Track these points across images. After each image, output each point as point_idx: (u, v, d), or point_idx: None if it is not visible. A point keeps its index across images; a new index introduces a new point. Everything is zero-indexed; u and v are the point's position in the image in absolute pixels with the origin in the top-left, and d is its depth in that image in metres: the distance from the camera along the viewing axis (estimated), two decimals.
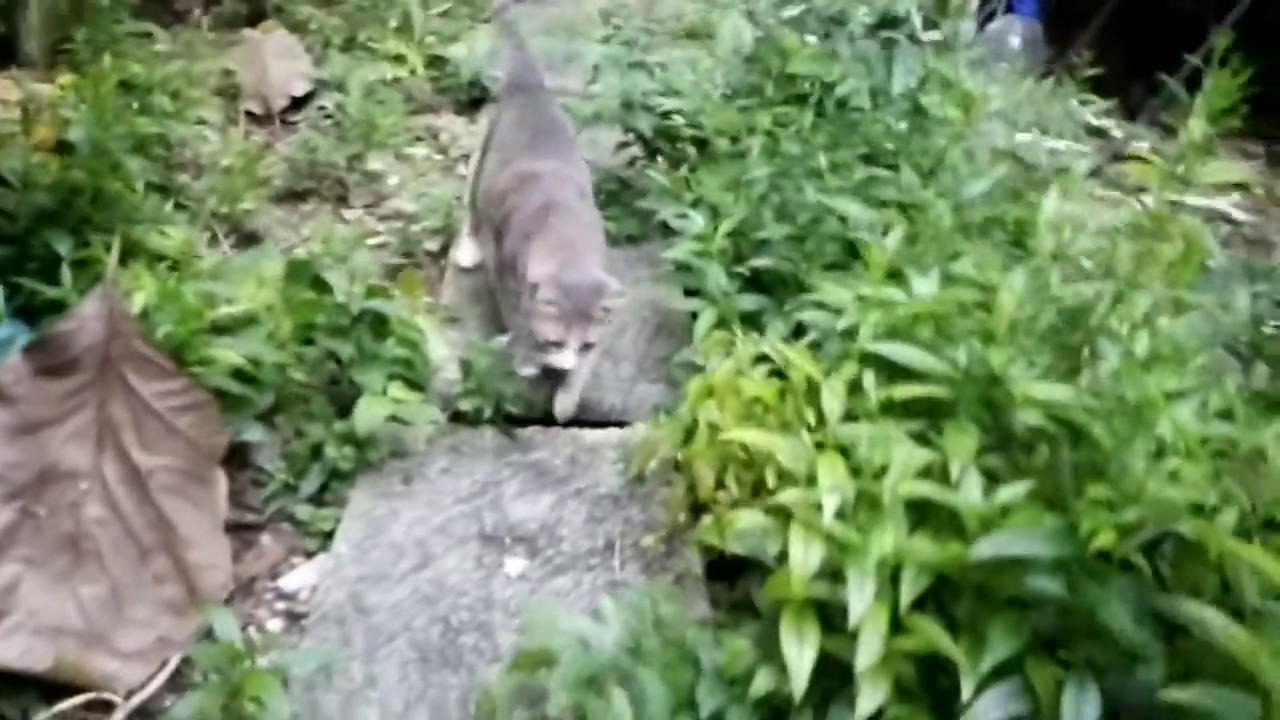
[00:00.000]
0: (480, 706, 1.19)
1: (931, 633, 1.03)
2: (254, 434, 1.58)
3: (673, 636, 1.12)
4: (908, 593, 1.03)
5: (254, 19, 3.94)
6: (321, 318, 1.60)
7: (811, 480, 1.05)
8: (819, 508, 1.02)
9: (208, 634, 1.31)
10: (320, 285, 1.59)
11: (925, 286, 1.27)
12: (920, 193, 1.67)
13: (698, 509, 1.30)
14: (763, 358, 1.27)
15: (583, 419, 1.94)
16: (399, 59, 3.70)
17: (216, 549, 1.43)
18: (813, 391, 1.21)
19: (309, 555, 1.62)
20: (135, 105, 2.46)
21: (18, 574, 1.31)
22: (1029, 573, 1.02)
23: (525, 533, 1.63)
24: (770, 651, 1.14)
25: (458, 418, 1.85)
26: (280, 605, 1.55)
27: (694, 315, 1.91)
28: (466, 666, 1.36)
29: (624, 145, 2.74)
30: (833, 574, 1.07)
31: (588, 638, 1.05)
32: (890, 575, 1.05)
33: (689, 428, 1.28)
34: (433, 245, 2.61)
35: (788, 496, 1.04)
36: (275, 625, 1.51)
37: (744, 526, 1.11)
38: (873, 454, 1.04)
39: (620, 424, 1.93)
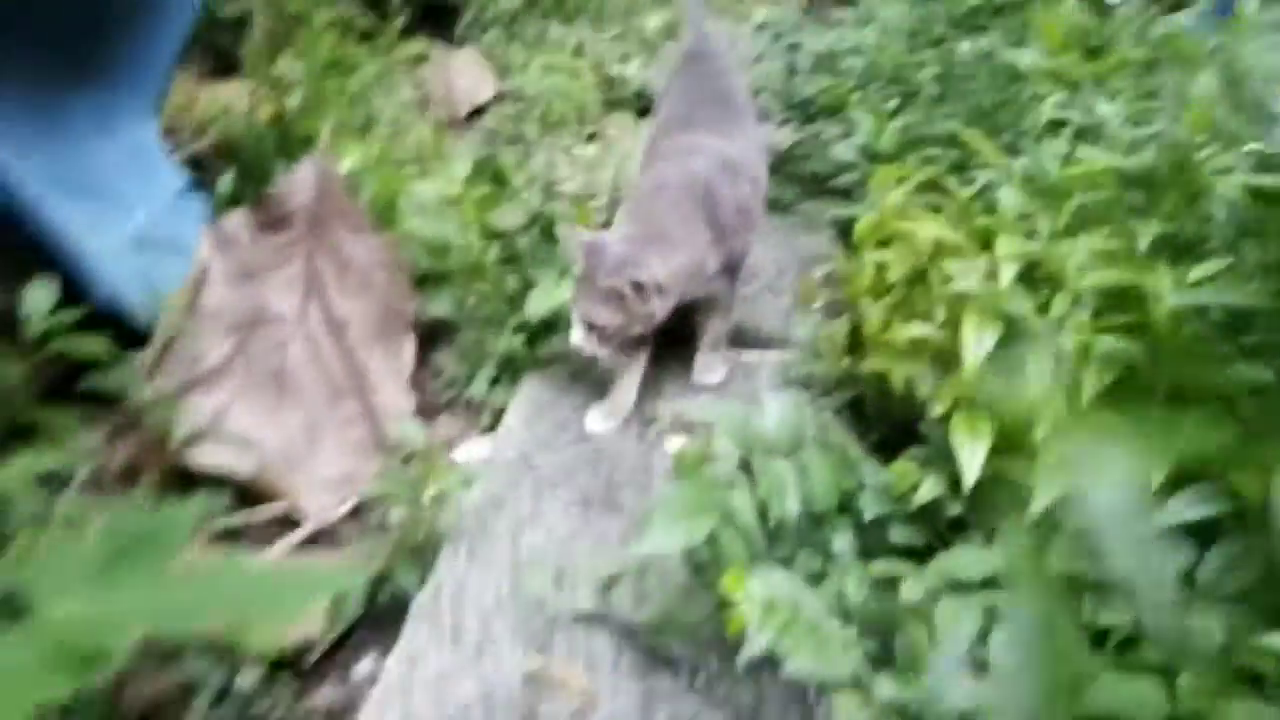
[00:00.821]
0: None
1: (1114, 423, 0.97)
2: (441, 306, 1.69)
3: (834, 443, 1.11)
4: (1092, 383, 0.99)
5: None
6: (501, 212, 1.71)
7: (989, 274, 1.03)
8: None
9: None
10: (500, 179, 1.71)
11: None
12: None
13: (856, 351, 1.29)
14: (930, 187, 1.26)
15: (742, 343, 1.96)
16: (573, 74, 3.94)
17: (401, 399, 1.53)
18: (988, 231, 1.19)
19: (481, 434, 1.71)
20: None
21: (230, 400, 1.45)
22: (1227, 362, 0.96)
23: (683, 421, 1.65)
24: (936, 465, 1.11)
25: None
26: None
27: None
28: (626, 512, 1.39)
29: (785, 121, 2.80)
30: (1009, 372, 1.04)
31: (749, 420, 1.05)
32: (1073, 371, 1.01)
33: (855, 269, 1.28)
34: (598, 219, 2.74)
35: (961, 281, 1.02)
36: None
37: (914, 335, 1.09)
38: (1053, 248, 1.01)
39: (780, 346, 1.95)
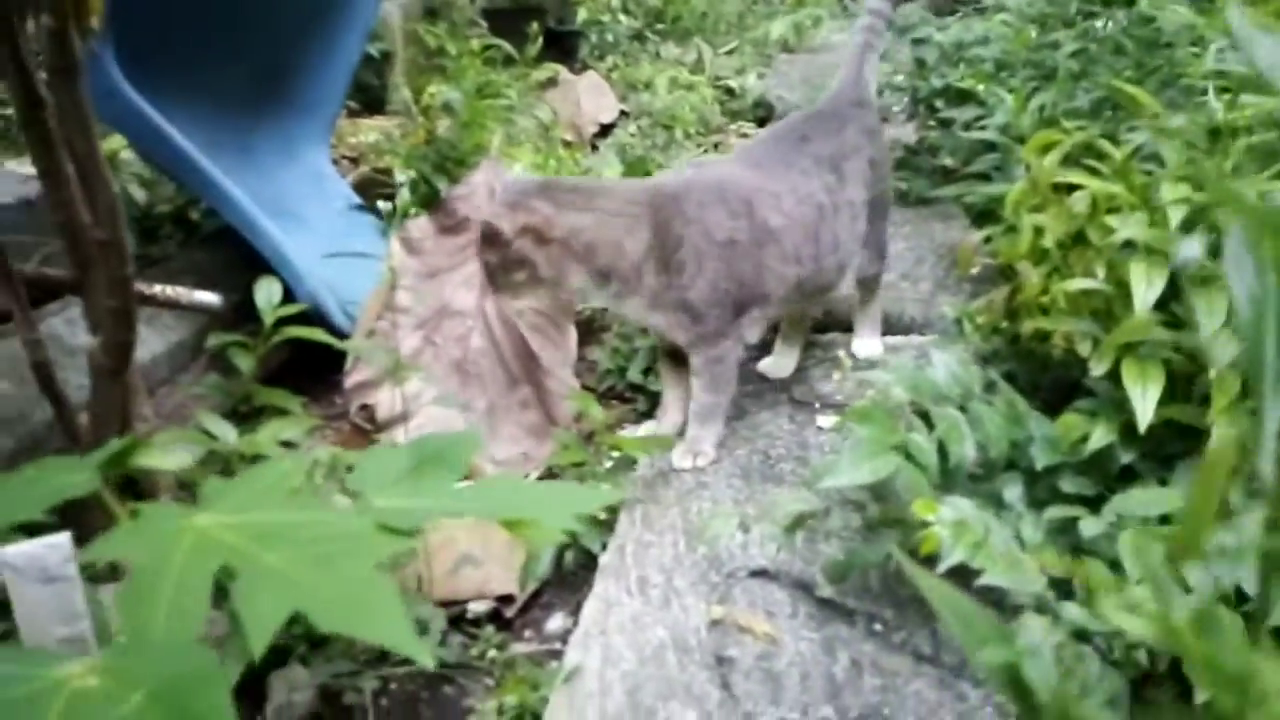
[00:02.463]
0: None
1: None
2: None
3: (1005, 398, 1.15)
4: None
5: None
6: None
7: (1155, 222, 1.06)
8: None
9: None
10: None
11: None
12: None
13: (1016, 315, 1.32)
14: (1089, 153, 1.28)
15: (888, 330, 2.00)
16: (692, 88, 4.06)
17: (571, 383, 1.65)
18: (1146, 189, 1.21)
19: (639, 419, 1.81)
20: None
21: (421, 388, 1.60)
22: None
23: (833, 401, 1.71)
24: (1104, 415, 1.14)
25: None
26: (614, 454, 1.74)
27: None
28: (787, 483, 1.46)
29: (912, 116, 2.83)
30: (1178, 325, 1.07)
31: (921, 372, 1.11)
32: None
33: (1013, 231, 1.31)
34: None
35: (1125, 230, 1.05)
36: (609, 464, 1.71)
37: (1077, 288, 1.13)
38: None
39: (921, 332, 1.98)
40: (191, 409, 1.46)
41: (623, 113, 3.95)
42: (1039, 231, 1.29)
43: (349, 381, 1.52)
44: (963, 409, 1.11)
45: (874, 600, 1.19)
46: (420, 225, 1.68)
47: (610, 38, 4.51)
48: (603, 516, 1.44)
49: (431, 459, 0.69)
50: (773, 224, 1.47)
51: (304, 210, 2.12)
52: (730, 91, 4.13)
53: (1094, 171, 1.27)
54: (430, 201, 1.95)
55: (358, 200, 2.26)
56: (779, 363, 1.84)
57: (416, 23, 3.99)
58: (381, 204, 1.74)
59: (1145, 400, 1.04)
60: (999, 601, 0.97)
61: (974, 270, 1.53)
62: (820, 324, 2.03)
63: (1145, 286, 1.03)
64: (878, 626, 1.17)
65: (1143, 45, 1.66)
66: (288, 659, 1.16)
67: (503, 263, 1.32)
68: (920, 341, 1.92)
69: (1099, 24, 2.01)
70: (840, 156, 1.60)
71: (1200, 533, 0.71)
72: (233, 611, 0.74)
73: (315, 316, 1.68)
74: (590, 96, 3.99)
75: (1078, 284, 1.14)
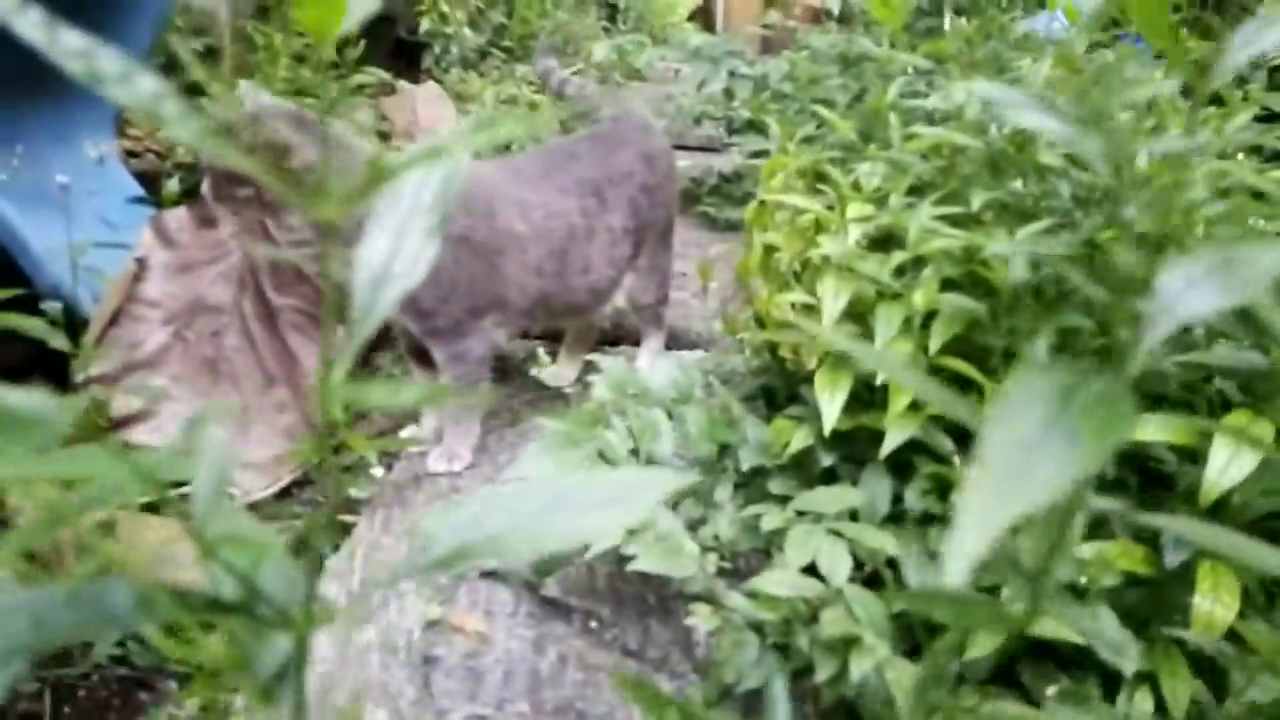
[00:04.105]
0: None
1: (962, 367, 1.07)
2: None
3: (717, 401, 1.20)
4: (939, 334, 1.08)
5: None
6: None
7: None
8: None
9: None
10: None
11: None
12: None
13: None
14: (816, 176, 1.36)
15: (675, 346, 2.06)
16: (533, 106, 4.09)
17: None
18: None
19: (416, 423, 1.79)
20: None
21: (167, 385, 1.53)
22: (1057, 316, 1.06)
23: None
24: (809, 420, 1.20)
25: None
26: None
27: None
28: None
29: (729, 145, 2.94)
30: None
31: (631, 374, 1.14)
32: (921, 324, 1.11)
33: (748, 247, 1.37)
34: None
35: (825, 248, 1.12)
36: (378, 472, 1.68)
37: (789, 300, 1.19)
38: (900, 214, 1.12)
39: (706, 348, 2.04)
40: None
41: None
42: (770, 249, 1.35)
43: (80, 376, 1.44)
44: (674, 407, 1.14)
45: (596, 599, 1.21)
46: (177, 216, 1.61)
47: (455, 50, 4.50)
48: (346, 520, 1.42)
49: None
50: (516, 230, 1.47)
51: (76, 199, 2.00)
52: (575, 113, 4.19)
53: (822, 194, 1.35)
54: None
55: (140, 192, 2.16)
56: (560, 373, 1.86)
57: (246, 20, 3.87)
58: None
59: (831, 406, 1.10)
60: (679, 593, 1.01)
61: (713, 284, 1.59)
62: (611, 337, 2.07)
63: (833, 299, 1.10)
64: (593, 624, 1.19)
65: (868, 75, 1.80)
66: None
67: (228, 174, 1.26)
68: (696, 356, 1.98)
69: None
70: (606, 181, 1.61)
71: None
72: None
73: (67, 309, 1.59)
74: (428, 107, 3.96)
75: (790, 297, 1.20)
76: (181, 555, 1.23)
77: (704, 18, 7.49)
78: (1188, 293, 0.35)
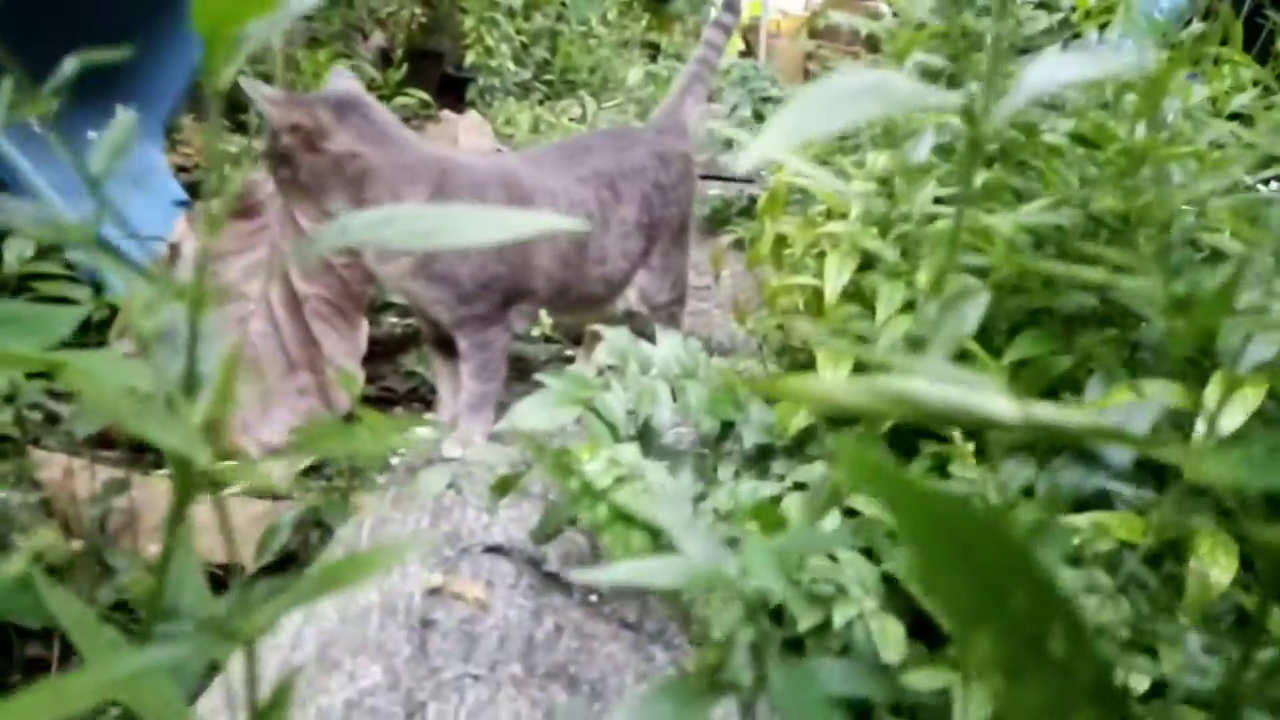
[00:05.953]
0: None
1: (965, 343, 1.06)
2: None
3: (727, 381, 1.21)
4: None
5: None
6: None
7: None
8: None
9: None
10: None
11: None
12: None
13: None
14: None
15: None
16: (567, 133, 4.18)
17: (356, 374, 1.65)
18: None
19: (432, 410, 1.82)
20: None
21: None
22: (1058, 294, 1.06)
23: None
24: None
25: None
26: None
27: None
28: None
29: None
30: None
31: (636, 346, 1.15)
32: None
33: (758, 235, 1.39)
34: None
35: (831, 226, 1.13)
36: (394, 461, 1.71)
37: (797, 282, 1.20)
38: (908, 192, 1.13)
39: (725, 354, 2.05)
40: None
41: (500, 149, 4.04)
42: (781, 237, 1.37)
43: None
44: (685, 381, 1.15)
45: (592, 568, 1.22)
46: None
47: (497, 84, 4.62)
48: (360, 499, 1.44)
49: None
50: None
51: (123, 202, 2.09)
52: None
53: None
54: None
55: (185, 197, 2.26)
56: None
57: (298, 49, 4.03)
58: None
59: (836, 377, 1.11)
60: None
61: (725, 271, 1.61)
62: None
63: (836, 275, 1.11)
64: (593, 598, 1.19)
65: None
66: None
67: (269, 153, 1.33)
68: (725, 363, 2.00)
69: None
70: (619, 174, 1.64)
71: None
72: None
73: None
74: (469, 134, 4.07)
75: (793, 280, 1.22)
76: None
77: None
78: None
